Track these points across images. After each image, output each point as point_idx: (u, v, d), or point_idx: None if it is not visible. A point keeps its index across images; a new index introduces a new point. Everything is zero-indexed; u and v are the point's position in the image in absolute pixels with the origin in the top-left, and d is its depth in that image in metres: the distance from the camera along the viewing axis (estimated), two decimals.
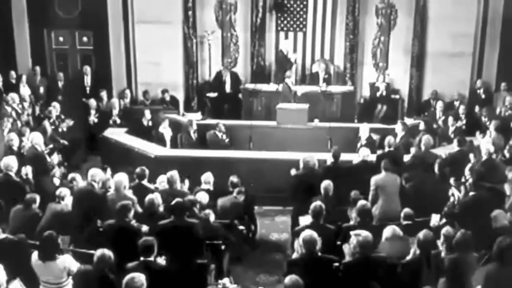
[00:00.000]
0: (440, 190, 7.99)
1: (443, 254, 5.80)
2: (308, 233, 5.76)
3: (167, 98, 13.02)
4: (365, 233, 5.72)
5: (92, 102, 12.48)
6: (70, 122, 11.48)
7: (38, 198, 7.34)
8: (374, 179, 7.84)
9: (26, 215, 7.17)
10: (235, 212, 7.93)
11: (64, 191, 7.40)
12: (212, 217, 7.18)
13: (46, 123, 10.79)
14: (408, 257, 5.94)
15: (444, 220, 7.10)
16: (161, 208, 7.15)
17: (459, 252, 5.61)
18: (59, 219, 7.05)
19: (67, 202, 7.36)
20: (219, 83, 13.26)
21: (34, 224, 7.05)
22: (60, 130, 11.21)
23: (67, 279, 5.74)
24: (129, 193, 7.48)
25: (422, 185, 8.20)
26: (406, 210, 7.03)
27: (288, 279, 5.03)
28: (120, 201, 6.76)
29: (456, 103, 12.59)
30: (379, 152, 9.23)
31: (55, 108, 11.51)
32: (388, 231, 6.40)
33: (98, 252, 5.53)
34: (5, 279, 5.21)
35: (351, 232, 5.85)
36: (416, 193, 8.00)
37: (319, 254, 5.77)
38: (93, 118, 12.37)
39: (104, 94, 12.93)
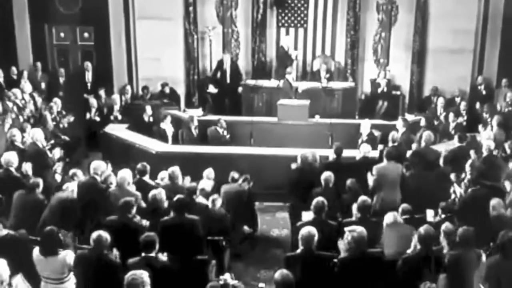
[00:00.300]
0: (440, 187, 7.99)
1: (445, 250, 5.81)
2: (307, 229, 5.74)
3: (167, 91, 13.03)
4: (359, 229, 5.67)
5: (93, 101, 12.47)
6: (71, 118, 11.49)
7: (41, 182, 7.33)
8: (376, 168, 7.87)
9: (29, 200, 7.18)
10: (239, 200, 7.95)
11: (70, 186, 7.42)
12: (219, 203, 7.26)
13: (47, 114, 10.79)
14: (409, 251, 5.93)
15: (443, 216, 7.12)
16: (165, 204, 7.16)
17: (461, 249, 5.64)
18: (65, 205, 7.04)
19: (73, 189, 7.38)
20: (220, 72, 13.18)
21: (36, 210, 7.04)
22: (61, 126, 11.22)
23: (68, 274, 5.74)
24: (133, 189, 7.49)
25: (422, 182, 8.20)
26: (404, 205, 7.04)
27: (278, 274, 4.96)
28: (123, 197, 6.77)
29: (457, 100, 12.60)
30: (381, 147, 9.24)
31: (56, 104, 11.50)
32: (389, 217, 6.42)
33: (94, 235, 5.56)
34: (8, 274, 5.21)
35: (346, 228, 5.81)
36: (417, 189, 7.99)
37: (318, 250, 5.74)
38: (93, 118, 12.36)
39: (102, 92, 12.89)
